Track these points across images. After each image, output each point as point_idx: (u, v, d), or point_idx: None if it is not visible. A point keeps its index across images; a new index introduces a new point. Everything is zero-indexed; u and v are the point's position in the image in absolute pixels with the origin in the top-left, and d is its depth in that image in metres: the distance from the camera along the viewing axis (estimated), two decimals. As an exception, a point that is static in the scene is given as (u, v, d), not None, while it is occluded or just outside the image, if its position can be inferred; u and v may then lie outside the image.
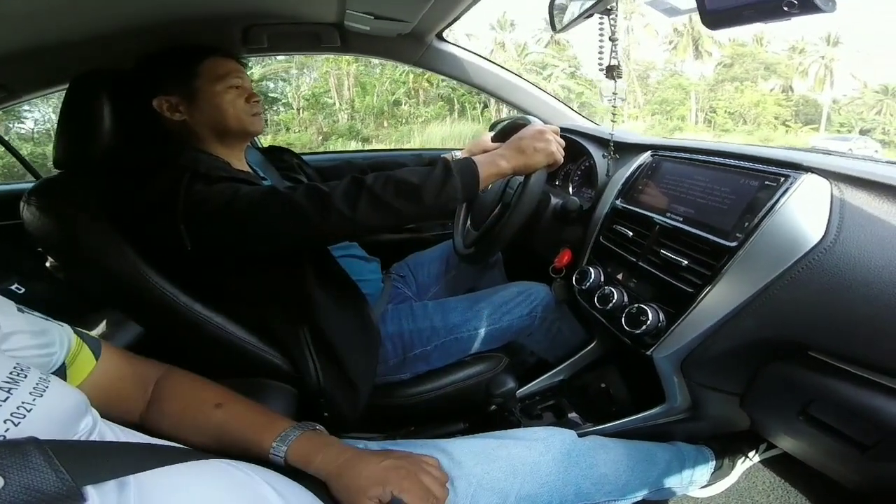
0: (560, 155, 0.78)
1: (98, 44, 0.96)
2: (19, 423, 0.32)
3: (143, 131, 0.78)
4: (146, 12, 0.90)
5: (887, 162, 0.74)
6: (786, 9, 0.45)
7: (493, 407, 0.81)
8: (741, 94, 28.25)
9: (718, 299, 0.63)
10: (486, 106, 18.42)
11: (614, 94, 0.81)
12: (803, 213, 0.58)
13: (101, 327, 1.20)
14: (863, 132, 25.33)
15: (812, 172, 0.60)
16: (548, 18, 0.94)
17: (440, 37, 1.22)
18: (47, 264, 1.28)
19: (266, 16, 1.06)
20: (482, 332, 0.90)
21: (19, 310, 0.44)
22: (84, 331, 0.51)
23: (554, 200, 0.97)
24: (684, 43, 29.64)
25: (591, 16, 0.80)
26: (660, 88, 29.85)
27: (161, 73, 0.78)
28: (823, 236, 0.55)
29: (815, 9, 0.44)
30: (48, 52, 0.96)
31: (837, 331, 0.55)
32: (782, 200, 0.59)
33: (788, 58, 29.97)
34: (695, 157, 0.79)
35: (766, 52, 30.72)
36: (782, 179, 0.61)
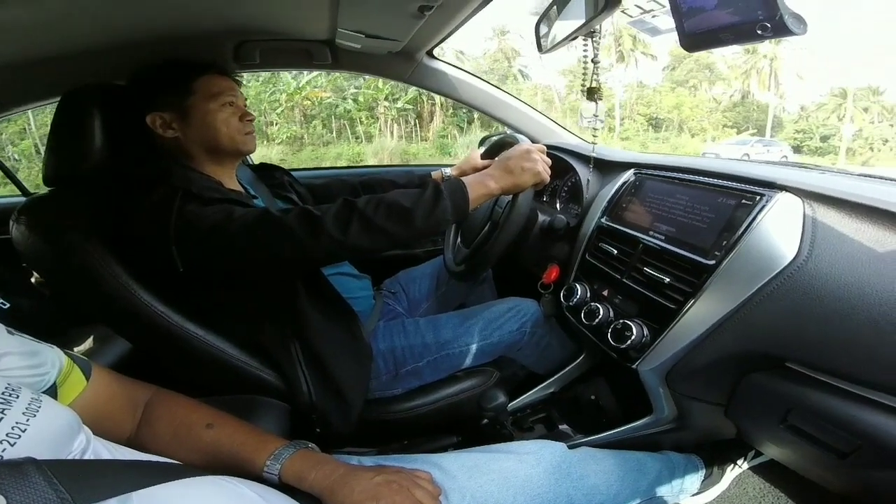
0: (546, 174, 0.80)
1: (89, 58, 0.96)
2: (15, 443, 0.33)
3: (134, 148, 0.78)
4: (139, 27, 0.90)
5: (860, 175, 0.77)
6: (759, 32, 0.48)
7: (485, 420, 0.82)
8: (661, 98, 26.70)
9: (699, 315, 0.65)
10: (375, 120, 17.80)
11: (595, 115, 0.84)
12: (777, 232, 0.60)
13: (88, 343, 1.18)
14: (823, 138, 24.78)
15: (786, 191, 0.63)
16: (534, 38, 0.96)
17: (430, 54, 1.24)
18: (32, 280, 1.26)
19: (259, 32, 1.08)
20: (473, 347, 0.91)
21: (9, 332, 0.44)
22: (74, 353, 0.51)
23: (541, 218, 0.99)
24: (607, 44, 26.95)
25: (575, 38, 0.82)
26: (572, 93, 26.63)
27: (156, 88, 0.78)
28: (797, 254, 0.58)
29: (788, 31, 0.46)
30: (39, 66, 0.95)
31: (811, 344, 0.57)
32: (758, 219, 0.62)
33: (739, 57, 28.16)
34: (676, 175, 0.81)
35: (707, 54, 28.07)
36: (758, 198, 0.64)
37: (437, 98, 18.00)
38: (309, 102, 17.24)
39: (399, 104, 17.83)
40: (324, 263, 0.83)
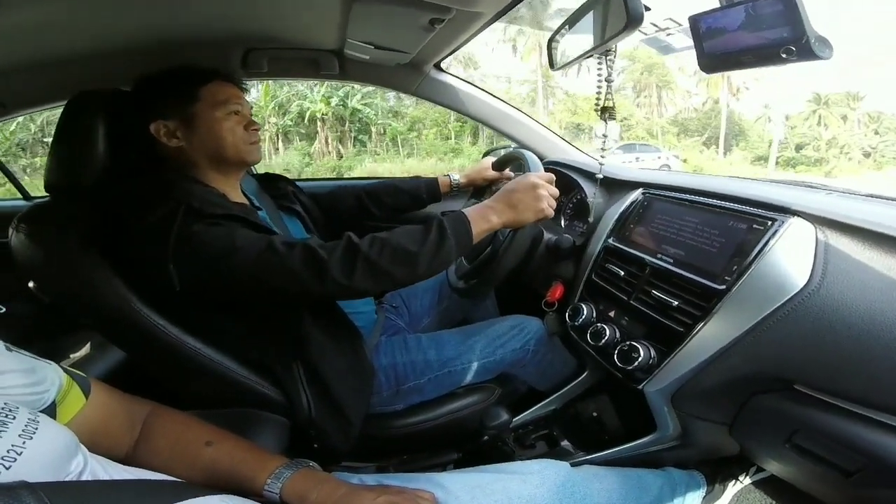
0: (551, 211, 0.78)
1: (96, 62, 0.96)
2: (10, 466, 0.32)
3: (137, 156, 0.77)
4: (148, 32, 0.90)
5: (867, 196, 0.76)
6: (784, 55, 0.47)
7: (486, 437, 0.81)
8: (578, 104, 22.91)
9: (708, 338, 0.65)
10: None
11: (605, 135, 0.83)
12: (789, 258, 0.60)
13: (85, 350, 1.17)
14: (798, 148, 23.74)
15: (798, 216, 0.63)
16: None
17: (438, 67, 1.24)
18: (30, 285, 1.24)
19: (267, 40, 1.08)
20: (475, 365, 0.90)
21: (7, 348, 0.44)
22: (73, 369, 0.50)
23: (547, 236, 0.99)
24: (530, 45, 23.21)
25: (590, 56, 0.80)
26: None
27: (160, 95, 0.76)
28: (808, 280, 0.57)
29: (813, 55, 0.45)
30: (47, 68, 0.95)
31: (821, 368, 0.57)
32: (770, 244, 0.61)
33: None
34: (685, 196, 0.81)
35: (655, 55, 24.30)
36: (769, 223, 0.63)
37: (319, 112, 17.15)
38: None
39: (283, 120, 17.30)
40: (326, 301, 0.82)
